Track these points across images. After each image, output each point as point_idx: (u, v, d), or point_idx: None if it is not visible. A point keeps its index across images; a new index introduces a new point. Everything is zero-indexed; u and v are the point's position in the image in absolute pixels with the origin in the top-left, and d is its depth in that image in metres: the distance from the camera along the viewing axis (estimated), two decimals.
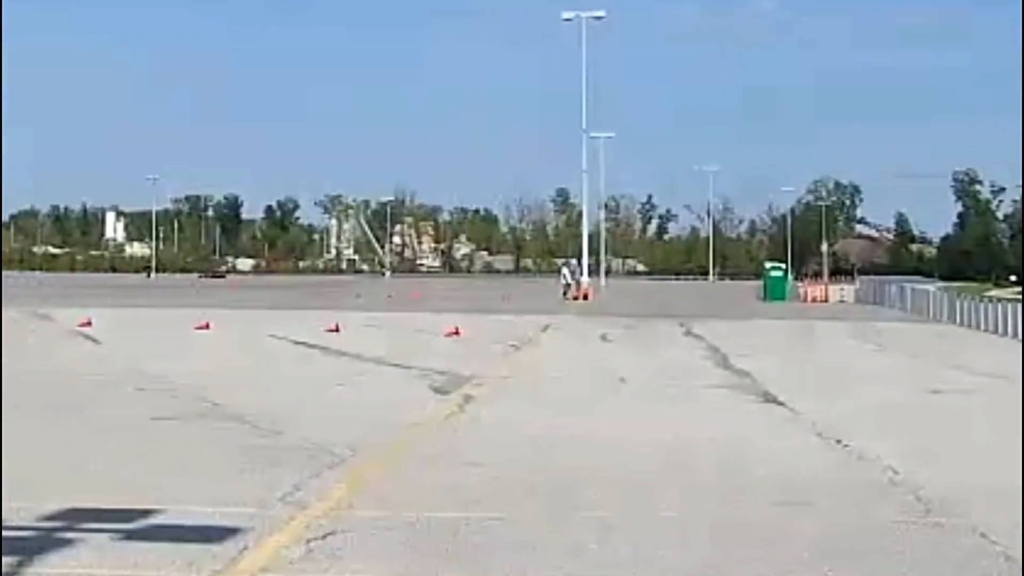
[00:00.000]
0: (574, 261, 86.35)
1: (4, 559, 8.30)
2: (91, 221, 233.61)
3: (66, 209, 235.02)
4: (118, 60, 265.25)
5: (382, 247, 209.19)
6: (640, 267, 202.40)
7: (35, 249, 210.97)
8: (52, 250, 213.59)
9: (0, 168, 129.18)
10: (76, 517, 9.65)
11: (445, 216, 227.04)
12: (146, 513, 9.81)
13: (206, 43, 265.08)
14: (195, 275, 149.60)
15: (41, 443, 13.91)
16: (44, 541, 8.87)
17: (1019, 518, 9.76)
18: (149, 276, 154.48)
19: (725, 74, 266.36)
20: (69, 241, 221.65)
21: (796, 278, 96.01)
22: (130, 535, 9.11)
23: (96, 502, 10.34)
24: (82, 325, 35.65)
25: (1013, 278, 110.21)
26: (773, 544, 9.19)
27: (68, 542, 8.87)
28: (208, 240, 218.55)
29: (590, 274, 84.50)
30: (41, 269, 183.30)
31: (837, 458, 13.65)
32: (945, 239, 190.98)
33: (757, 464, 12.99)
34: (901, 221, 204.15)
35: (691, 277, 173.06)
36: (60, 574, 8.08)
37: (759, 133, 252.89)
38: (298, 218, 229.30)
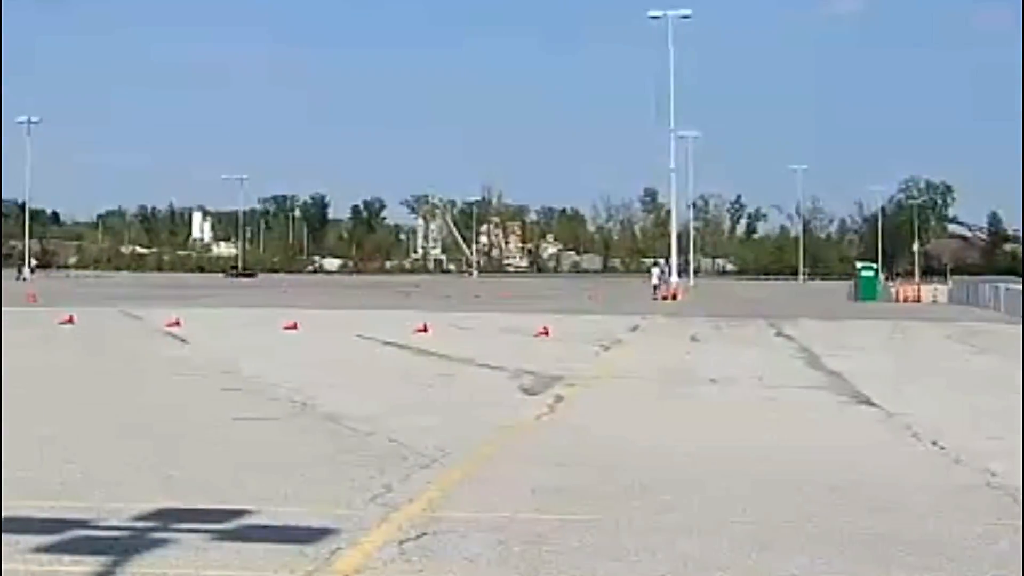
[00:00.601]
0: (663, 261, 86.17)
1: (99, 559, 8.32)
2: (178, 221, 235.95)
3: (153, 209, 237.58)
4: (206, 62, 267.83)
5: (469, 247, 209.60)
6: (729, 267, 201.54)
7: (122, 249, 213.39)
8: (140, 250, 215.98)
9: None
10: (169, 517, 9.65)
11: (532, 216, 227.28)
12: (238, 514, 9.80)
13: (290, 45, 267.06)
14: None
15: (132, 443, 13.95)
16: (137, 541, 8.88)
17: None
18: (236, 276, 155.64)
19: (812, 71, 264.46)
20: (156, 241, 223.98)
21: (888, 278, 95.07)
22: (223, 535, 9.09)
23: (188, 502, 10.34)
24: (170, 325, 35.89)
25: None
26: (869, 547, 9.01)
27: (161, 542, 8.87)
28: (295, 240, 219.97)
29: (679, 274, 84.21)
30: (128, 269, 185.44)
31: (933, 460, 13.41)
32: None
33: (851, 467, 12.78)
34: (994, 220, 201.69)
35: (781, 277, 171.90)
36: (153, 574, 8.06)
37: (848, 131, 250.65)
38: (384, 218, 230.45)
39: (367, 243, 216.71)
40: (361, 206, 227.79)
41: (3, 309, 38.05)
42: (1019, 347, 33.15)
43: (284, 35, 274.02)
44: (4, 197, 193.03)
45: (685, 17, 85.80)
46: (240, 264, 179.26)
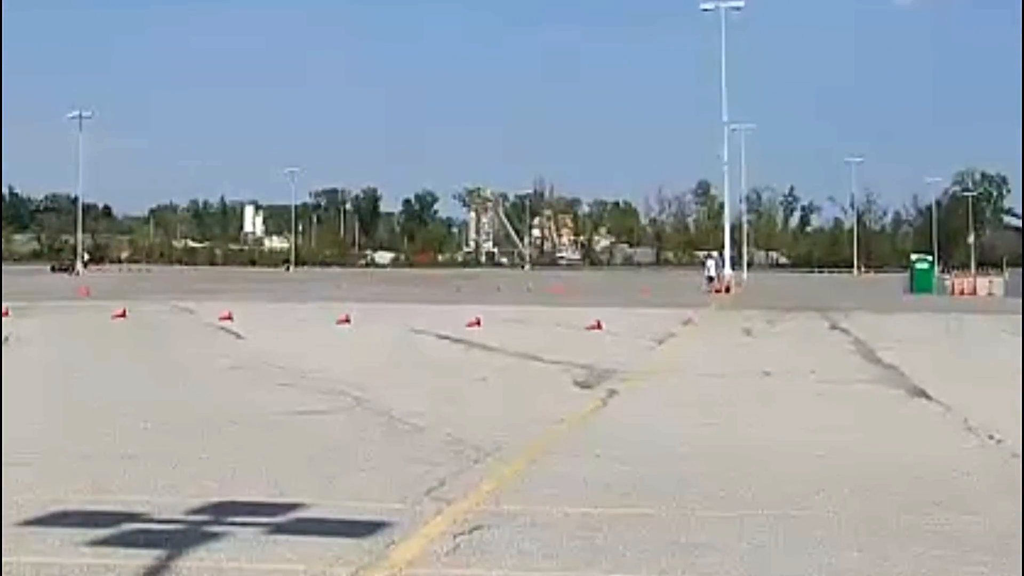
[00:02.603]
0: (716, 254, 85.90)
1: (153, 552, 8.33)
2: (230, 215, 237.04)
3: (205, 203, 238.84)
4: (258, 55, 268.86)
5: (521, 240, 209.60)
6: (783, 260, 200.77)
7: (175, 243, 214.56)
8: (192, 244, 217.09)
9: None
10: (223, 511, 9.66)
11: (584, 208, 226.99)
12: (292, 507, 9.80)
13: (343, 39, 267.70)
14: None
15: (187, 436, 13.99)
16: (191, 535, 8.88)
17: None
18: (288, 269, 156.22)
19: (866, 64, 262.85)
20: (208, 235, 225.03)
21: (943, 270, 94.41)
22: (277, 529, 9.08)
23: (242, 496, 10.35)
24: (223, 319, 36.00)
25: None
26: (928, 544, 8.91)
27: (215, 536, 8.87)
28: (346, 233, 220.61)
29: (733, 267, 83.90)
30: (181, 263, 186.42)
31: (990, 454, 13.28)
32: None
33: (909, 460, 12.66)
34: None
35: (835, 269, 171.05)
36: (207, 567, 8.06)
37: (903, 123, 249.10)
38: (436, 211, 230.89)
39: (419, 237, 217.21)
40: (413, 199, 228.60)
41: (55, 303, 38.30)
42: None
43: (338, 29, 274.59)
44: (56, 192, 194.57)
45: (736, 9, 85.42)
46: (293, 258, 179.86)
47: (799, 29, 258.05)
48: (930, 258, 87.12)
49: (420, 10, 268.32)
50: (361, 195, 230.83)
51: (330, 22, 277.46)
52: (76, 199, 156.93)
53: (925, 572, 8.19)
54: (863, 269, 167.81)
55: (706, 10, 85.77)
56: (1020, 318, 41.51)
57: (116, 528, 9.05)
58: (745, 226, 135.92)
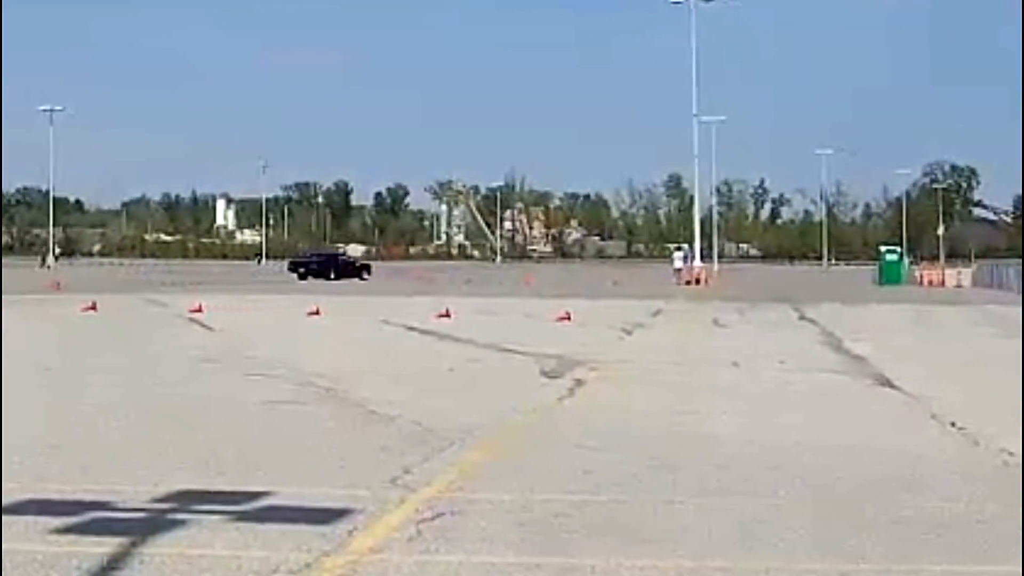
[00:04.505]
0: (686, 246, 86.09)
1: (118, 539, 8.35)
2: (201, 208, 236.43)
3: (177, 197, 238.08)
4: (222, 47, 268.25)
5: (493, 233, 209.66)
6: (753, 252, 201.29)
7: (147, 236, 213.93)
8: (164, 237, 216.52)
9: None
10: (188, 499, 9.69)
11: (556, 201, 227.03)
12: (257, 495, 9.83)
13: (312, 33, 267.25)
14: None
15: (154, 426, 14.01)
16: (156, 523, 8.91)
17: None
18: (259, 263, 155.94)
19: (836, 56, 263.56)
20: (180, 228, 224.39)
21: (912, 262, 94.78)
22: (241, 517, 9.12)
23: (208, 484, 10.38)
24: (194, 311, 35.96)
25: None
26: (890, 529, 9.01)
27: (180, 523, 8.90)
28: (318, 227, 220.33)
29: (703, 259, 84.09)
30: (153, 256, 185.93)
31: (953, 442, 13.39)
32: None
33: (873, 448, 12.77)
34: (1019, 203, 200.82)
35: (805, 261, 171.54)
36: (172, 554, 8.08)
37: (873, 116, 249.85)
38: (408, 204, 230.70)
39: (391, 229, 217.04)
40: (384, 192, 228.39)
41: (23, 297, 38.17)
42: None
43: (305, 20, 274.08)
44: (27, 185, 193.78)
45: (706, 0, 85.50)
46: (264, 251, 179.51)
47: (769, 21, 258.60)
48: (899, 250, 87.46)
49: (393, 4, 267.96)
50: (333, 188, 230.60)
51: (301, 15, 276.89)
52: (48, 192, 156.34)
53: (888, 557, 8.27)
54: (833, 261, 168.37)
55: (676, 3, 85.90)
56: (992, 309, 41.80)
57: (81, 516, 9.07)
58: (716, 218, 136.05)
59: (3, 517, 8.90)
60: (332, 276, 71.77)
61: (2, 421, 13.13)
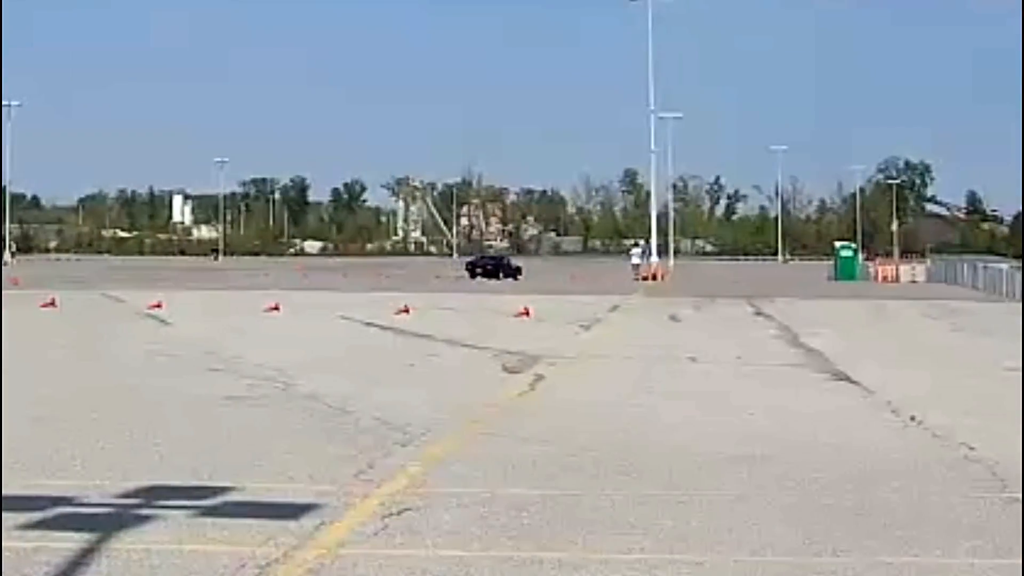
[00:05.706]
0: (643, 242, 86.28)
1: (85, 535, 8.38)
2: (158, 204, 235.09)
3: (134, 193, 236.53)
4: (178, 44, 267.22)
5: (449, 229, 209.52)
6: (709, 247, 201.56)
7: (104, 232, 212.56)
8: (121, 233, 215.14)
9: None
10: (153, 495, 9.73)
11: (512, 197, 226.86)
12: (222, 491, 9.88)
13: (268, 28, 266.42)
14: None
15: (117, 422, 14.01)
16: (122, 518, 8.95)
17: None
18: (216, 259, 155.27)
19: (792, 52, 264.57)
20: (137, 224, 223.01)
21: (867, 258, 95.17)
22: (207, 512, 9.17)
23: (172, 480, 10.42)
24: (152, 307, 35.83)
25: None
26: (850, 521, 9.13)
27: (145, 519, 8.94)
28: (275, 223, 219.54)
29: (659, 255, 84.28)
30: (110, 252, 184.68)
31: (912, 435, 13.55)
32: (1017, 217, 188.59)
33: (829, 440, 12.90)
34: (973, 199, 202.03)
35: (761, 257, 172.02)
36: (138, 550, 8.11)
37: (827, 112, 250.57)
38: (365, 200, 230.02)
39: (348, 226, 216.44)
40: (341, 189, 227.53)
41: None
42: (998, 324, 33.34)
43: (262, 17, 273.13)
44: None
45: None
46: (221, 247, 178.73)
47: (726, 19, 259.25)
48: (854, 245, 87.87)
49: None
50: (290, 184, 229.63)
51: (256, 12, 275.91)
52: (3, 188, 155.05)
53: (847, 548, 8.39)
54: (788, 257, 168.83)
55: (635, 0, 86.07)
56: (946, 304, 42.16)
57: (47, 512, 9.10)
58: (672, 214, 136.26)
59: None
60: (500, 276, 74.97)
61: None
